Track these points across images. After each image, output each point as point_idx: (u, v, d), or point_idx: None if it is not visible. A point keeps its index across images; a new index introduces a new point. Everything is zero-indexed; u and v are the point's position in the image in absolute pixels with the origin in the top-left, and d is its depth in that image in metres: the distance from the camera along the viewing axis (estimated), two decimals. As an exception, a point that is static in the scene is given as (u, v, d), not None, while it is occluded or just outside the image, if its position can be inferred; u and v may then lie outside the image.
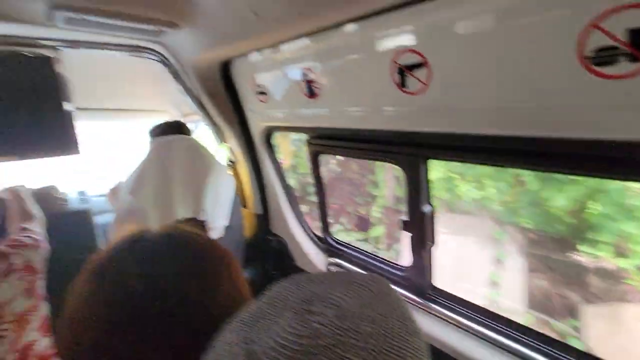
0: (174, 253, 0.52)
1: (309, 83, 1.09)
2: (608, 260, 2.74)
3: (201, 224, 1.40)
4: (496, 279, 3.43)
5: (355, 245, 1.45)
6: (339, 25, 0.89)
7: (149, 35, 1.17)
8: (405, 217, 1.11)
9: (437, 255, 1.11)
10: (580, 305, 2.95)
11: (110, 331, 0.45)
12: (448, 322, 1.05)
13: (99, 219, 1.50)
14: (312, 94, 1.10)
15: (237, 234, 1.62)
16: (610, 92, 0.56)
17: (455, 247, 3.61)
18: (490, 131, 0.76)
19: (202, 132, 1.88)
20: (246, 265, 1.67)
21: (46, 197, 1.26)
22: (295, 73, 1.13)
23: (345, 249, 1.45)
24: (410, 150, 1.00)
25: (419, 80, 0.80)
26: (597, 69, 0.55)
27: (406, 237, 1.14)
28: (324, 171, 1.44)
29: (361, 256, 1.38)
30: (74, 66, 1.21)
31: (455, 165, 3.54)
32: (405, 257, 3.95)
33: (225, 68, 1.38)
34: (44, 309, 0.91)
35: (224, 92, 1.44)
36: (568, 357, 0.83)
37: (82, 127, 1.30)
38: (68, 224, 1.29)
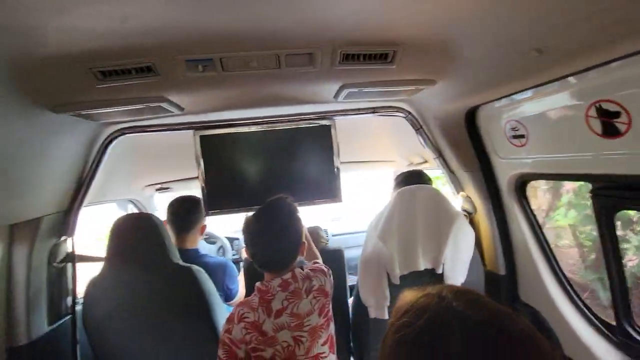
0: (495, 329, 0.46)
1: (607, 120, 0.85)
2: None
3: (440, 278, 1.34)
4: None
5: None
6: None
7: (403, 95, 1.29)
8: None
9: None
10: None
11: None
12: None
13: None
14: (612, 133, 0.85)
15: (475, 294, 1.43)
16: None
17: None
18: None
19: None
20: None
21: (314, 235, 1.57)
22: (577, 109, 0.92)
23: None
24: None
25: None
26: None
27: None
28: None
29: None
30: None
31: None
32: None
33: (471, 115, 1.33)
34: (331, 328, 1.11)
35: (466, 139, 1.38)
36: None
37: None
38: (326, 260, 1.53)
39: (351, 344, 1.56)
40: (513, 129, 1.19)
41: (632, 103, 0.79)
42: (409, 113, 1.49)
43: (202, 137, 1.41)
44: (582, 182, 1.08)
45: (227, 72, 0.98)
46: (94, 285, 1.35)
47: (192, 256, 1.62)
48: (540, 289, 1.31)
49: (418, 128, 1.51)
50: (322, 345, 1.06)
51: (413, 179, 1.62)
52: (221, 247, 2.37)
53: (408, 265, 1.32)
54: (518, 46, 0.83)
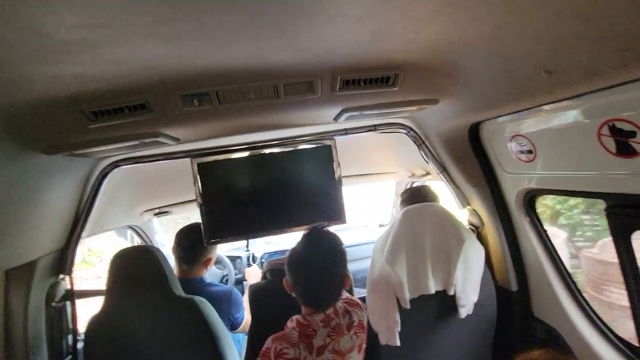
0: None
1: (621, 139, 0.82)
2: None
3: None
4: None
5: None
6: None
7: (406, 114, 1.26)
8: None
9: None
10: None
11: None
12: None
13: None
14: (627, 152, 0.82)
15: (488, 312, 1.40)
16: None
17: None
18: None
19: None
20: (503, 353, 1.40)
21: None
22: (588, 127, 0.89)
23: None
24: None
25: None
26: None
27: None
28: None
29: None
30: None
31: None
32: None
33: (474, 129, 1.30)
34: None
35: (471, 154, 1.35)
36: None
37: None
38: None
39: None
40: (520, 144, 1.15)
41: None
42: (411, 129, 1.46)
43: (199, 164, 1.37)
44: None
45: (224, 105, 0.95)
46: (95, 322, 1.30)
47: (196, 285, 1.57)
48: (554, 305, 1.27)
49: (420, 144, 1.48)
50: None
51: (419, 196, 1.59)
52: (226, 275, 2.32)
53: (418, 288, 1.28)
54: (526, 66, 0.80)
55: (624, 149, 0.83)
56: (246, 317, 1.71)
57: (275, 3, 0.55)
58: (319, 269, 0.97)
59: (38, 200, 1.08)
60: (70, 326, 1.40)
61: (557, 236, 2.49)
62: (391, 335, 1.29)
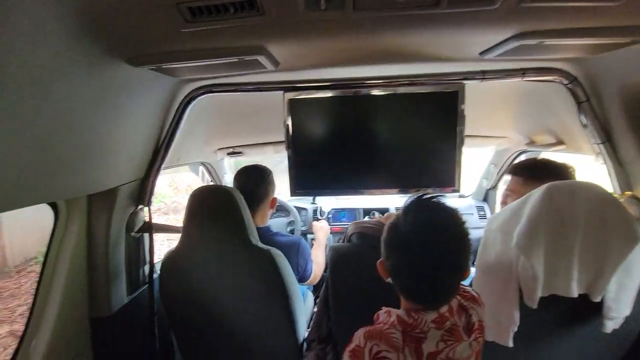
0: None
1: None
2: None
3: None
4: None
5: None
6: None
7: (581, 53, 0.88)
8: None
9: None
10: None
11: None
12: None
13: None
14: None
15: (632, 329, 1.09)
16: None
17: None
18: None
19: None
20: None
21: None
22: None
23: None
24: None
25: None
26: None
27: None
28: None
29: None
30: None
31: None
32: None
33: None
34: None
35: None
36: None
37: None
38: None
39: None
40: None
41: None
42: (574, 79, 1.06)
43: (292, 100, 1.14)
44: None
45: (359, 13, 0.67)
46: (171, 258, 1.24)
47: (264, 235, 1.45)
48: None
49: (583, 101, 1.08)
50: None
51: (556, 171, 1.23)
52: (292, 221, 2.21)
53: (554, 287, 1.00)
54: None
55: None
56: (315, 270, 1.59)
57: None
58: (437, 258, 0.70)
59: (120, 122, 0.95)
60: (147, 257, 1.37)
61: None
62: (503, 333, 1.05)
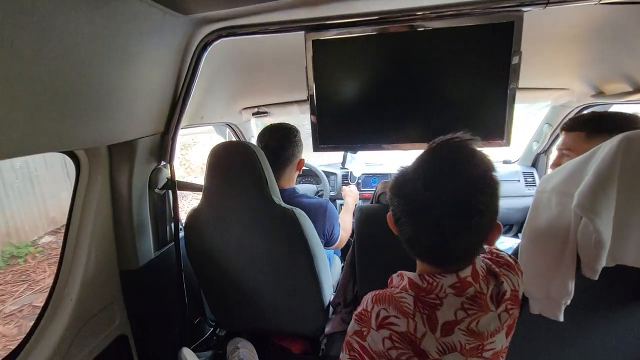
0: None
1: None
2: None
3: None
4: None
5: None
6: None
7: None
8: None
9: None
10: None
11: None
12: None
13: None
14: None
15: None
16: None
17: None
18: None
19: None
20: None
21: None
22: None
23: None
24: None
25: None
26: None
27: None
28: None
29: None
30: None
31: None
32: None
33: None
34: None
35: None
36: None
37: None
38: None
39: None
40: None
41: None
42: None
43: (315, 42, 1.02)
44: None
45: None
46: (193, 217, 1.23)
47: (289, 196, 1.38)
48: None
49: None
50: None
51: (625, 122, 1.02)
52: (321, 191, 2.14)
53: (623, 256, 0.84)
54: None
55: None
56: (342, 235, 1.53)
57: None
58: (446, 204, 0.56)
59: (132, 67, 0.89)
60: (172, 215, 1.36)
61: None
62: (553, 306, 0.92)
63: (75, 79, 0.76)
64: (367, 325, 0.65)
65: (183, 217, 1.35)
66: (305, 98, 1.28)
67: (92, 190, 1.07)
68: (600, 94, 1.39)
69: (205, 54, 1.06)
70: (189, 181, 1.47)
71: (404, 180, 0.63)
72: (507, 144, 1.01)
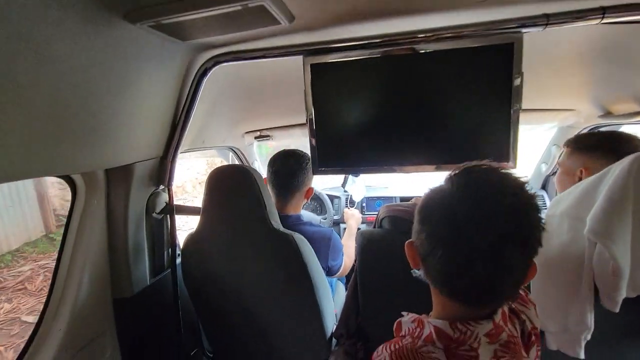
0: None
1: None
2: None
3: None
4: None
5: None
6: None
7: None
8: None
9: None
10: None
11: None
12: None
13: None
14: None
15: None
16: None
17: None
18: None
19: None
20: None
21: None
22: None
23: None
24: None
25: None
26: None
27: None
28: None
29: None
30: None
31: None
32: None
33: None
34: None
35: None
36: None
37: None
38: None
39: None
40: None
41: None
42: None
43: (314, 66, 1.02)
44: None
45: None
46: (191, 241, 1.20)
47: (293, 223, 1.35)
48: None
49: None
50: None
51: (610, 140, 1.01)
52: (324, 217, 2.10)
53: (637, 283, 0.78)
54: None
55: None
56: (345, 262, 1.47)
57: None
58: (494, 238, 0.47)
59: (130, 92, 0.89)
60: (169, 240, 1.34)
61: None
62: (572, 340, 0.85)
63: (72, 104, 0.76)
64: None
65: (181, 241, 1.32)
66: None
67: (87, 215, 1.05)
68: (608, 114, 1.35)
69: (205, 79, 1.07)
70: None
71: (440, 203, 0.54)
72: (514, 165, 0.97)
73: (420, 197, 1.12)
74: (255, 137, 1.89)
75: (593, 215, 0.80)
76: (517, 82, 0.92)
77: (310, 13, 0.83)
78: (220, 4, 0.69)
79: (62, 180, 1.03)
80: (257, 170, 1.17)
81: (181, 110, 1.12)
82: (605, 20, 0.83)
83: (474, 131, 0.99)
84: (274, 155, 1.41)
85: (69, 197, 1.05)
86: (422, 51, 0.95)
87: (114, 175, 1.07)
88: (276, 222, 1.14)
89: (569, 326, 0.85)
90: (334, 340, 1.30)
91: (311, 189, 1.44)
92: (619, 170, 0.81)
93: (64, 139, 0.78)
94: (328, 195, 2.26)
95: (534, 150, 2.11)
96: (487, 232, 0.48)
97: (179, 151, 1.20)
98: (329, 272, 1.40)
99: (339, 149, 1.09)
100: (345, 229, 1.96)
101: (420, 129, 1.01)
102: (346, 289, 1.78)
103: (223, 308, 1.24)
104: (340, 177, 2.21)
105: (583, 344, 0.84)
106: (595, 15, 0.83)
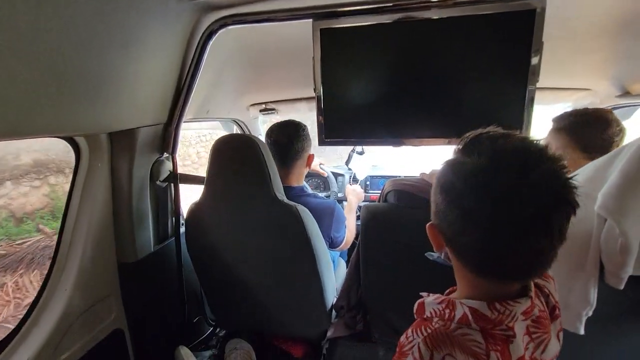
0: None
1: None
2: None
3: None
4: None
5: None
6: None
7: None
8: None
9: None
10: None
11: None
12: None
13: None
14: None
15: None
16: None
17: None
18: None
19: None
20: None
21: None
22: None
23: None
24: None
25: None
26: None
27: None
28: None
29: None
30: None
31: None
32: None
33: None
34: None
35: None
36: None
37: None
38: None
39: None
40: None
41: None
42: None
43: (324, 30, 0.98)
44: None
45: None
46: (195, 210, 1.20)
47: (297, 194, 1.34)
48: None
49: None
50: None
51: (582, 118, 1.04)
52: (329, 194, 2.09)
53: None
54: None
55: None
56: (347, 236, 1.47)
57: None
58: (540, 207, 0.43)
59: (134, 52, 0.86)
60: (173, 208, 1.34)
61: None
62: (573, 317, 0.85)
63: (74, 57, 0.73)
64: None
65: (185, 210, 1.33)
66: (312, 95, 1.25)
67: (91, 179, 1.04)
68: (626, 94, 1.31)
69: (211, 43, 1.04)
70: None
71: (467, 174, 0.48)
72: (526, 134, 0.95)
73: (426, 173, 1.10)
74: (260, 110, 1.85)
75: (605, 191, 0.78)
76: (535, 56, 0.88)
77: None
78: None
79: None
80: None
81: (185, 75, 1.09)
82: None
83: (488, 104, 0.96)
84: (270, 127, 1.39)
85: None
86: (438, 17, 0.91)
87: (117, 140, 1.06)
88: (280, 194, 1.13)
89: (571, 302, 0.85)
90: (333, 312, 1.32)
91: (312, 155, 1.42)
92: (635, 147, 0.78)
93: (65, 96, 0.76)
94: (333, 172, 2.25)
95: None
96: (533, 201, 0.43)
97: (183, 119, 1.18)
98: (332, 244, 1.40)
99: (347, 119, 1.06)
100: (347, 204, 1.96)
101: (432, 100, 0.98)
102: (347, 266, 1.80)
103: (225, 277, 1.26)
104: (345, 156, 2.19)
105: (584, 320, 0.84)
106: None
